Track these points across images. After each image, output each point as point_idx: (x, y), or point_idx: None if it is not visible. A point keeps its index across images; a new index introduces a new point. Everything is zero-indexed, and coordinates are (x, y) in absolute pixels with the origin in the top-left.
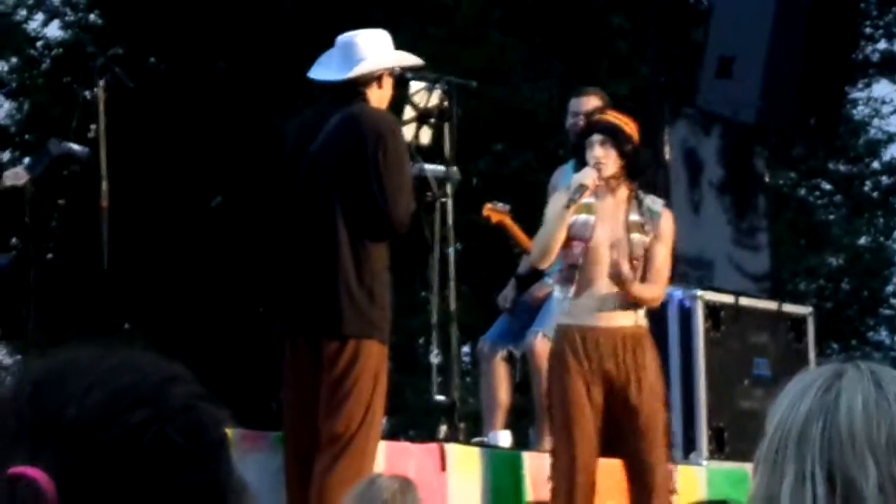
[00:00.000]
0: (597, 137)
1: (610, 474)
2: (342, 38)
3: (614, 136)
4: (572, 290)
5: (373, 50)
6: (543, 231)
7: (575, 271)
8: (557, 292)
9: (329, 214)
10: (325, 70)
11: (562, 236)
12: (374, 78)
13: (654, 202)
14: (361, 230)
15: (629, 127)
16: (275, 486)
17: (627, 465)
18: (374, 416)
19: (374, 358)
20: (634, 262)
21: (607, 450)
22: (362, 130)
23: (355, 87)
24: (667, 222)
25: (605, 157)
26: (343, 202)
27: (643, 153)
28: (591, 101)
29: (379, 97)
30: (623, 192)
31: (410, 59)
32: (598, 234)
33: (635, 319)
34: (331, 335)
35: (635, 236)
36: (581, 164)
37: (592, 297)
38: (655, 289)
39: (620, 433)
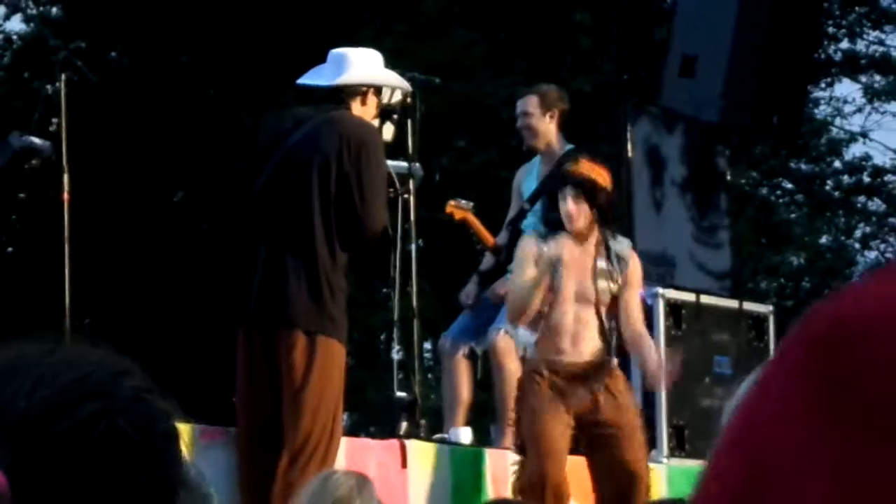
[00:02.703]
0: (570, 191)
1: (573, 474)
2: (334, 52)
3: (587, 189)
4: (537, 336)
5: (363, 65)
6: (519, 294)
7: (541, 318)
8: (523, 335)
9: (305, 209)
10: (314, 77)
11: (537, 303)
12: (360, 92)
13: (621, 244)
14: (335, 230)
15: (602, 177)
16: (234, 481)
17: (606, 473)
18: (339, 415)
19: (338, 356)
20: (601, 308)
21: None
22: (345, 132)
23: (339, 96)
24: (635, 266)
25: (576, 212)
26: (321, 199)
27: (613, 200)
28: (528, 101)
29: (361, 112)
30: (593, 237)
31: (399, 81)
32: (567, 284)
33: (602, 356)
34: (295, 328)
35: (602, 283)
36: (554, 209)
37: (557, 342)
38: (644, 339)
39: (600, 446)
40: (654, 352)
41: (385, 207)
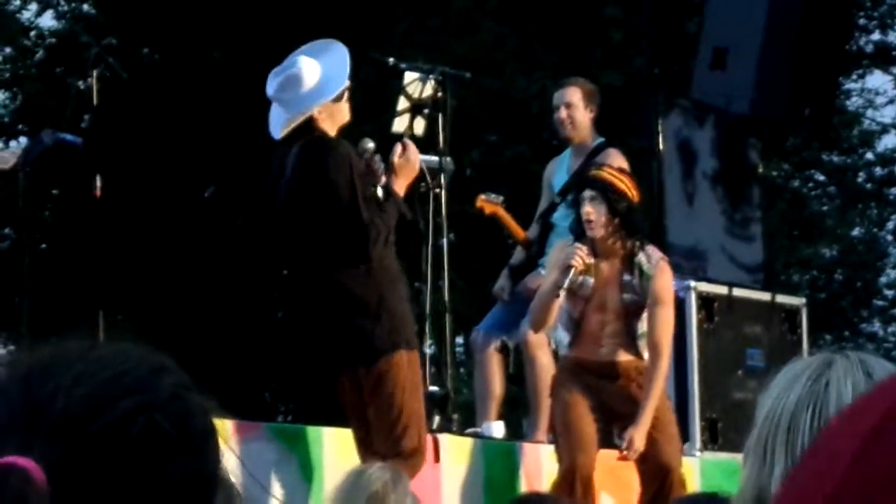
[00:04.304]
0: (588, 193)
1: (604, 465)
2: (282, 82)
3: (605, 192)
4: (569, 338)
5: (303, 90)
6: (539, 303)
7: (574, 323)
8: (559, 334)
9: (317, 251)
10: (275, 113)
11: (554, 312)
12: (315, 115)
13: (649, 259)
14: (350, 254)
15: (623, 184)
16: (268, 476)
17: (643, 468)
18: (418, 423)
19: (398, 366)
20: (630, 318)
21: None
22: (311, 164)
23: (303, 125)
24: (662, 280)
25: (594, 215)
26: (325, 234)
27: (637, 211)
28: (572, 92)
29: (330, 123)
30: (619, 250)
31: (338, 84)
32: (595, 294)
33: (633, 358)
34: (356, 367)
35: (627, 297)
36: (577, 216)
37: (590, 346)
38: (658, 370)
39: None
40: (649, 410)
41: (364, 203)
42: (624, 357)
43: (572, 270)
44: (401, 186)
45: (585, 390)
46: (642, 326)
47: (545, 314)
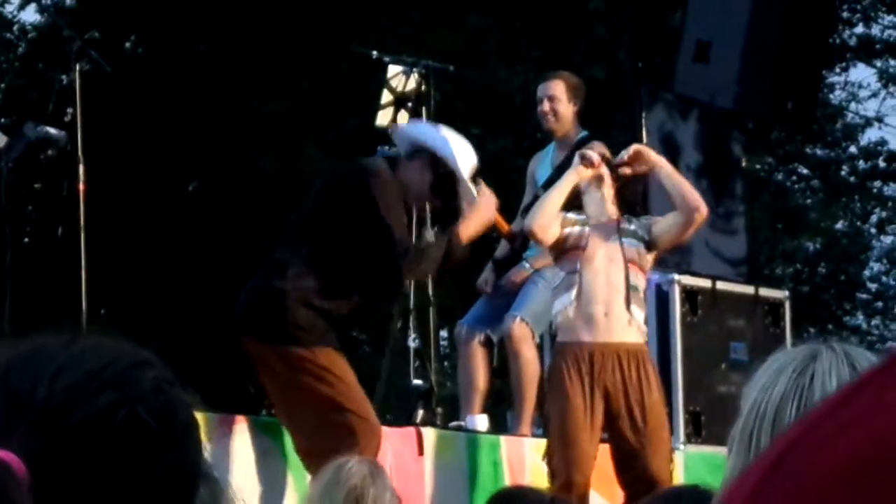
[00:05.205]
0: (590, 148)
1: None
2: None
3: (605, 159)
4: (573, 294)
5: (403, 132)
6: (548, 198)
7: (575, 276)
8: (557, 304)
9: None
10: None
11: (558, 205)
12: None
13: (642, 217)
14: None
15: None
16: (251, 469)
17: (630, 480)
18: (346, 419)
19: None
20: (630, 269)
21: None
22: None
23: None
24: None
25: (600, 149)
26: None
27: (630, 191)
28: (555, 85)
29: (405, 177)
30: (615, 211)
31: (410, 146)
32: (593, 242)
33: (636, 331)
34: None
35: (629, 240)
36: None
37: (591, 306)
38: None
39: (625, 448)
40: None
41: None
42: (626, 335)
43: (588, 169)
44: (466, 230)
45: (584, 385)
46: (635, 279)
47: (551, 209)
